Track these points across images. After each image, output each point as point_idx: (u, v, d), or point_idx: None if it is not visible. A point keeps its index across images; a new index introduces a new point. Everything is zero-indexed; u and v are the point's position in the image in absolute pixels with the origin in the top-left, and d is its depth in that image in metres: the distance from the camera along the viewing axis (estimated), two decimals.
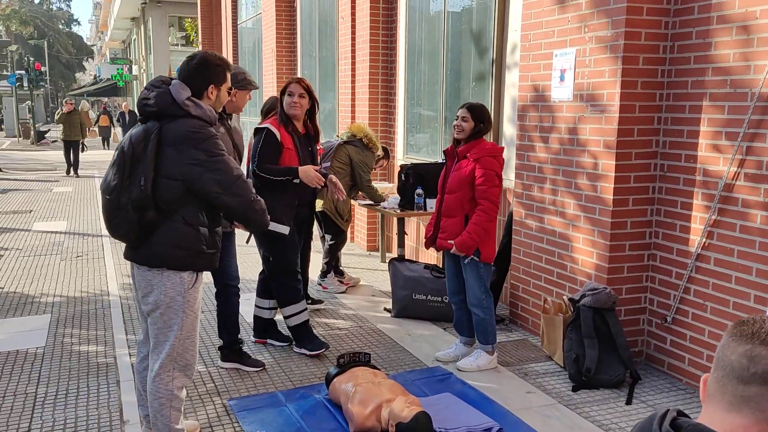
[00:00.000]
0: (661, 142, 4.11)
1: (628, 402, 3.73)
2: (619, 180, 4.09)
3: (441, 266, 5.37)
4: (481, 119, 3.96)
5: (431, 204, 5.67)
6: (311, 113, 4.27)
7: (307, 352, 4.33)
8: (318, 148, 4.41)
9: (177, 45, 26.77)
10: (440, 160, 6.20)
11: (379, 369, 3.74)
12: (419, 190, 5.74)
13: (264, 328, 4.55)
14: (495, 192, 3.88)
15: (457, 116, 4.00)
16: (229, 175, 2.69)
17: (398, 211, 5.80)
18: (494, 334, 4.17)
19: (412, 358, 4.36)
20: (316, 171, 4.12)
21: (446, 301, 5.01)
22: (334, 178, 4.32)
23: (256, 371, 4.07)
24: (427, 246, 4.22)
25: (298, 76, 7.00)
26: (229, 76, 2.91)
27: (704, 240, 3.83)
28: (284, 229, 4.10)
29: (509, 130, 5.52)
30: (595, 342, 3.96)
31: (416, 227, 6.89)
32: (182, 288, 2.74)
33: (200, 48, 17.31)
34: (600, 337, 3.99)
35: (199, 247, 2.74)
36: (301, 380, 3.96)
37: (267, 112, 5.20)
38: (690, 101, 3.91)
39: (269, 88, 10.77)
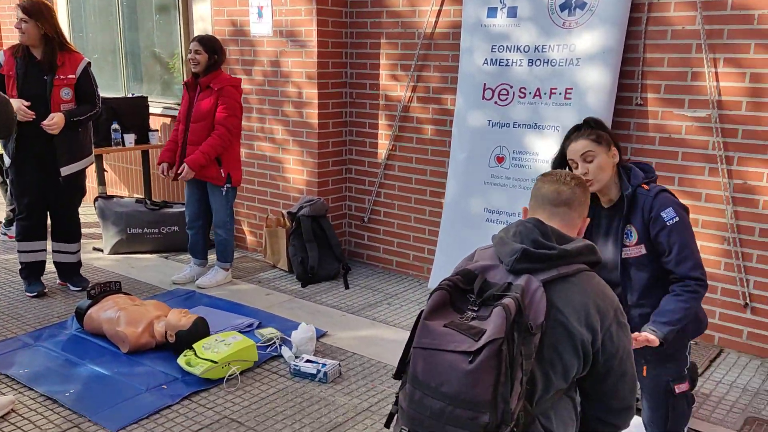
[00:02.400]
0: (349, 74, 4.91)
1: (346, 287, 4.57)
2: (321, 107, 4.79)
3: (155, 198, 5.48)
4: (213, 50, 4.21)
5: (129, 139, 5.69)
6: (50, 39, 3.98)
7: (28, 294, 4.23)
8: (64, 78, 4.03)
9: None
10: (131, 95, 6.15)
11: (131, 294, 3.90)
12: (115, 125, 5.67)
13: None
14: (233, 121, 4.23)
15: (191, 50, 4.20)
16: None
17: None
18: (232, 253, 4.61)
19: (147, 286, 4.53)
20: (26, 105, 3.87)
21: (163, 231, 5.22)
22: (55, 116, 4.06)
23: None
24: (175, 177, 4.40)
25: None
26: None
27: (390, 152, 4.79)
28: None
29: None
30: (314, 245, 4.70)
31: (116, 165, 6.71)
32: None
33: None
34: (318, 241, 4.73)
35: None
36: (35, 325, 3.87)
37: None
38: (370, 39, 4.76)
39: None
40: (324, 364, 3.20)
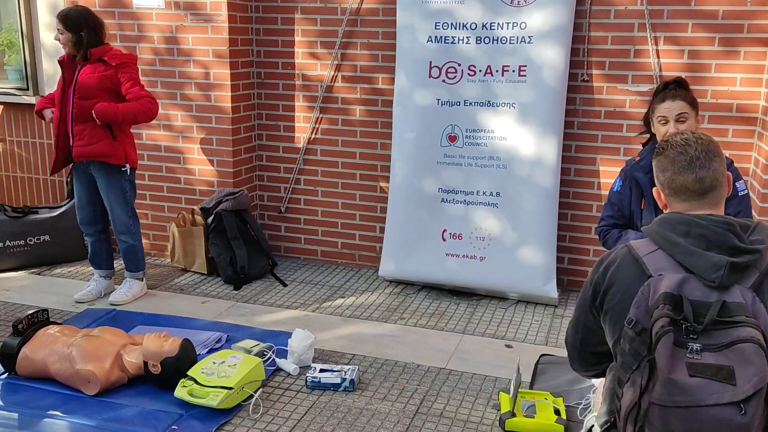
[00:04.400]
0: (256, 51, 4.49)
1: (283, 284, 4.23)
2: (234, 88, 4.32)
3: (19, 205, 4.54)
4: (77, 27, 3.52)
5: None
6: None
7: None
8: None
9: None
10: None
11: (63, 323, 3.19)
12: None
13: None
14: (148, 92, 3.63)
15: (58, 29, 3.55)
16: None
17: None
18: (144, 260, 3.98)
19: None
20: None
21: (31, 243, 4.38)
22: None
23: None
24: (59, 168, 3.67)
25: None
26: None
27: (311, 135, 4.49)
28: None
29: (49, 38, 4.87)
30: (241, 242, 4.26)
31: None
32: None
33: None
34: (243, 237, 4.30)
35: None
36: None
37: None
38: (281, 13, 4.38)
39: None
40: (345, 371, 2.94)
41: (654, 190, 1.88)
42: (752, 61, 3.57)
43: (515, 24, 3.76)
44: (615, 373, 1.85)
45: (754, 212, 3.41)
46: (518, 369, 2.72)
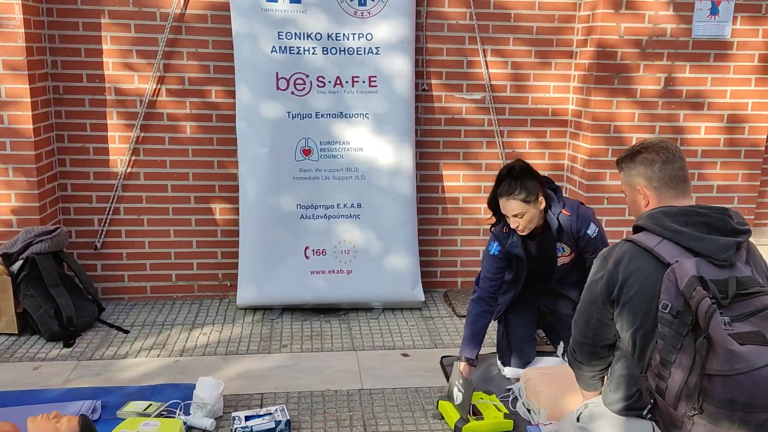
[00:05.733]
0: (51, 62, 3.79)
1: (125, 331, 3.64)
2: (33, 106, 3.59)
3: None
4: None
5: None
6: None
7: None
8: None
9: None
10: None
11: None
12: None
13: None
14: None
15: None
16: None
17: None
18: None
19: None
20: None
21: None
22: None
23: None
24: None
25: None
26: None
27: (131, 157, 3.94)
28: None
29: None
30: (62, 289, 3.56)
31: None
32: None
33: None
34: (65, 283, 3.60)
35: None
36: None
37: None
38: (83, 18, 3.77)
39: None
40: (274, 413, 2.65)
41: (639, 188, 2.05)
42: (561, 71, 4.10)
43: (361, 35, 3.76)
44: (626, 361, 1.99)
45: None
46: (460, 375, 2.75)
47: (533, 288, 3.12)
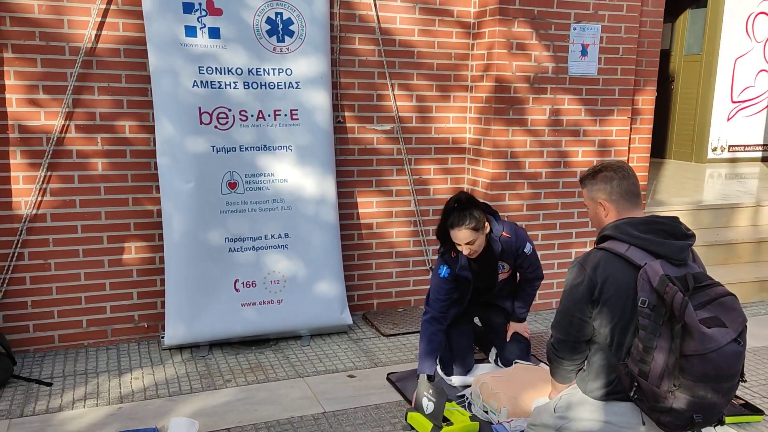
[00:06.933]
0: None
1: (47, 384, 3.39)
2: None
3: None
4: None
5: None
6: None
7: None
8: None
9: None
10: None
11: None
12: None
13: None
14: None
15: None
16: None
17: None
18: None
19: None
20: None
21: None
22: None
23: None
24: None
25: None
26: None
27: (37, 198, 3.70)
28: None
29: None
30: None
31: None
32: None
33: None
34: None
35: None
36: None
37: None
38: None
39: None
40: None
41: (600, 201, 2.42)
42: (459, 104, 4.51)
43: (281, 70, 3.89)
44: (603, 353, 2.34)
45: None
46: (428, 386, 2.95)
47: (471, 301, 3.42)
